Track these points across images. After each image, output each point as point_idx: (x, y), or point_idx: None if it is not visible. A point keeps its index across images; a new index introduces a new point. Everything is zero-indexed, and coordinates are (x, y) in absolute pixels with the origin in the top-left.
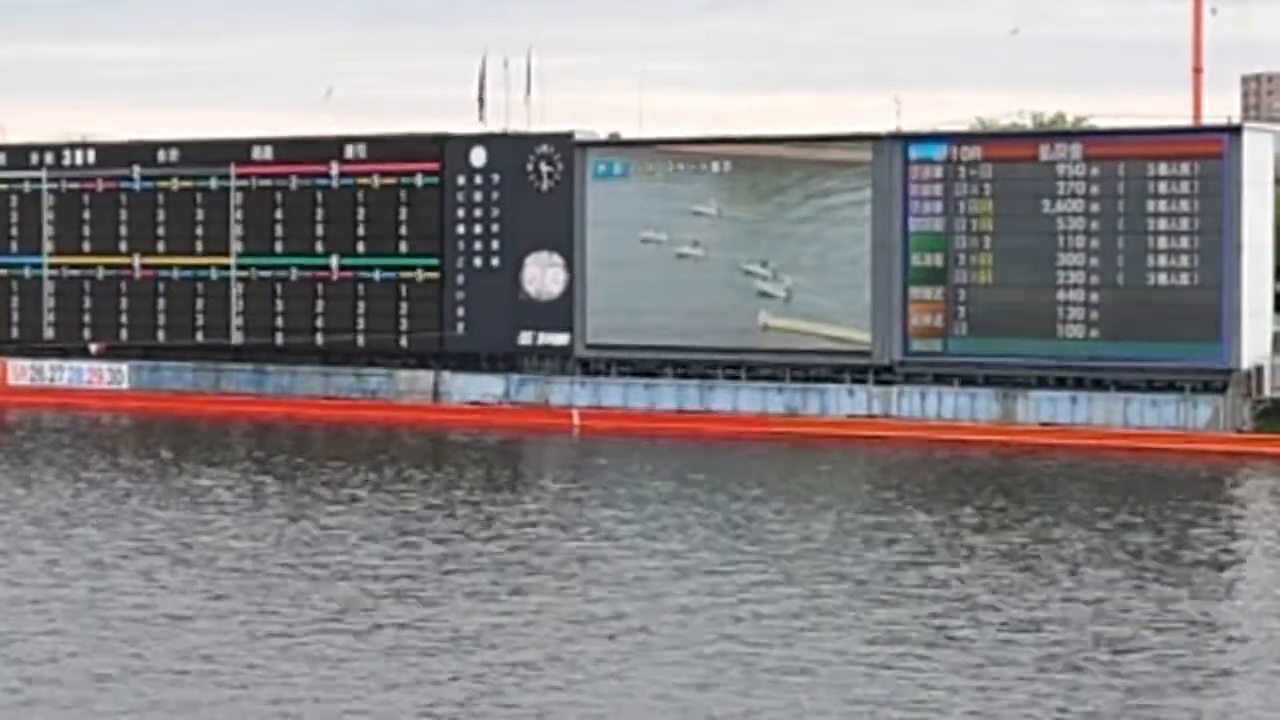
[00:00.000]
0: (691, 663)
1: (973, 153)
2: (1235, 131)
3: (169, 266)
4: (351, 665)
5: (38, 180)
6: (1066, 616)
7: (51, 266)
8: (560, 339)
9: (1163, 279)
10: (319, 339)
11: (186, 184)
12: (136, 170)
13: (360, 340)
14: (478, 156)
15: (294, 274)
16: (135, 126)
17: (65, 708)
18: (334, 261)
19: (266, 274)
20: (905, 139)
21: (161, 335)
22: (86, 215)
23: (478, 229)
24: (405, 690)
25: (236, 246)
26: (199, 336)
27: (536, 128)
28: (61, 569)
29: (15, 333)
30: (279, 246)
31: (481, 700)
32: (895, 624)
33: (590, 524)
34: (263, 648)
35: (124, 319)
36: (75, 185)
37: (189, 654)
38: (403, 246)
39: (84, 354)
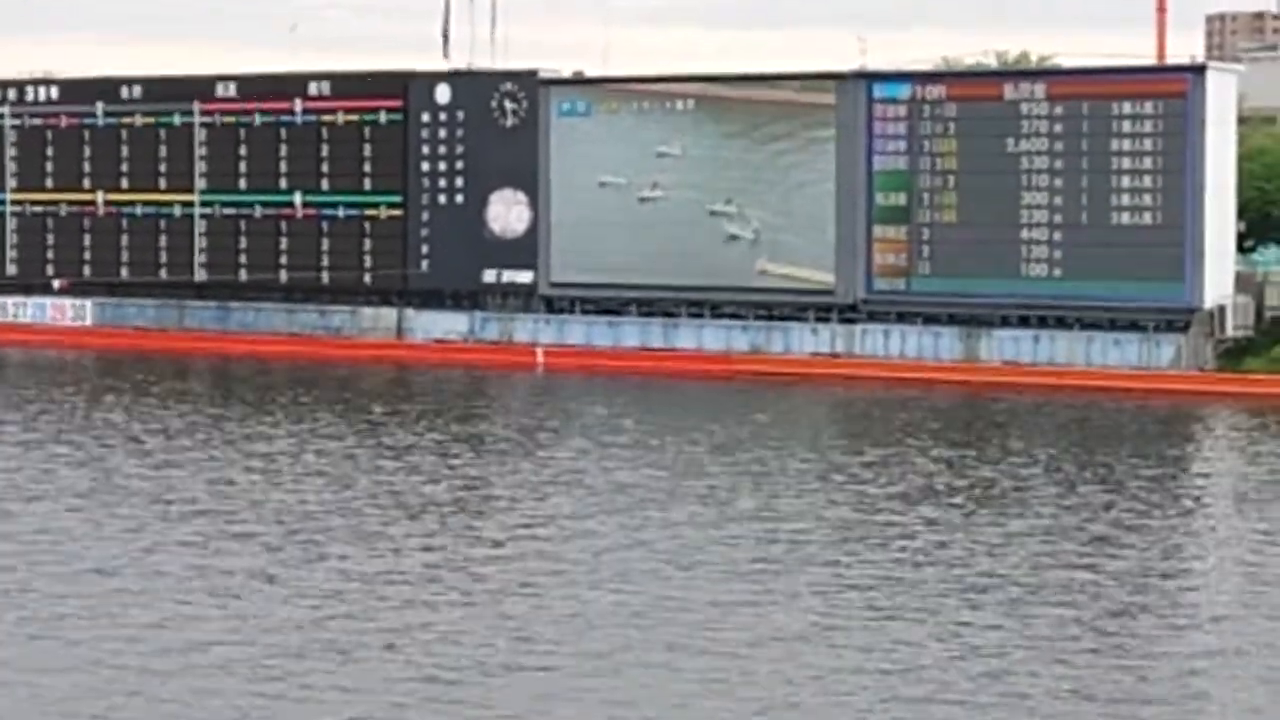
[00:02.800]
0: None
1: (937, 92)
2: (1199, 71)
3: (132, 203)
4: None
5: (0, 116)
6: (1024, 557)
7: (14, 203)
8: (524, 276)
9: (1126, 218)
10: (283, 276)
11: (150, 120)
12: (100, 106)
13: (324, 277)
14: (442, 94)
15: (258, 211)
16: (99, 63)
17: None
18: (298, 198)
19: (230, 211)
20: (870, 78)
21: (125, 272)
22: (49, 152)
23: (442, 166)
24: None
25: (200, 183)
26: (163, 273)
27: (501, 65)
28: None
29: None
30: (243, 183)
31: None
32: (840, 568)
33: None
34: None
35: (87, 255)
36: (38, 121)
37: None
38: (367, 184)
39: (47, 290)
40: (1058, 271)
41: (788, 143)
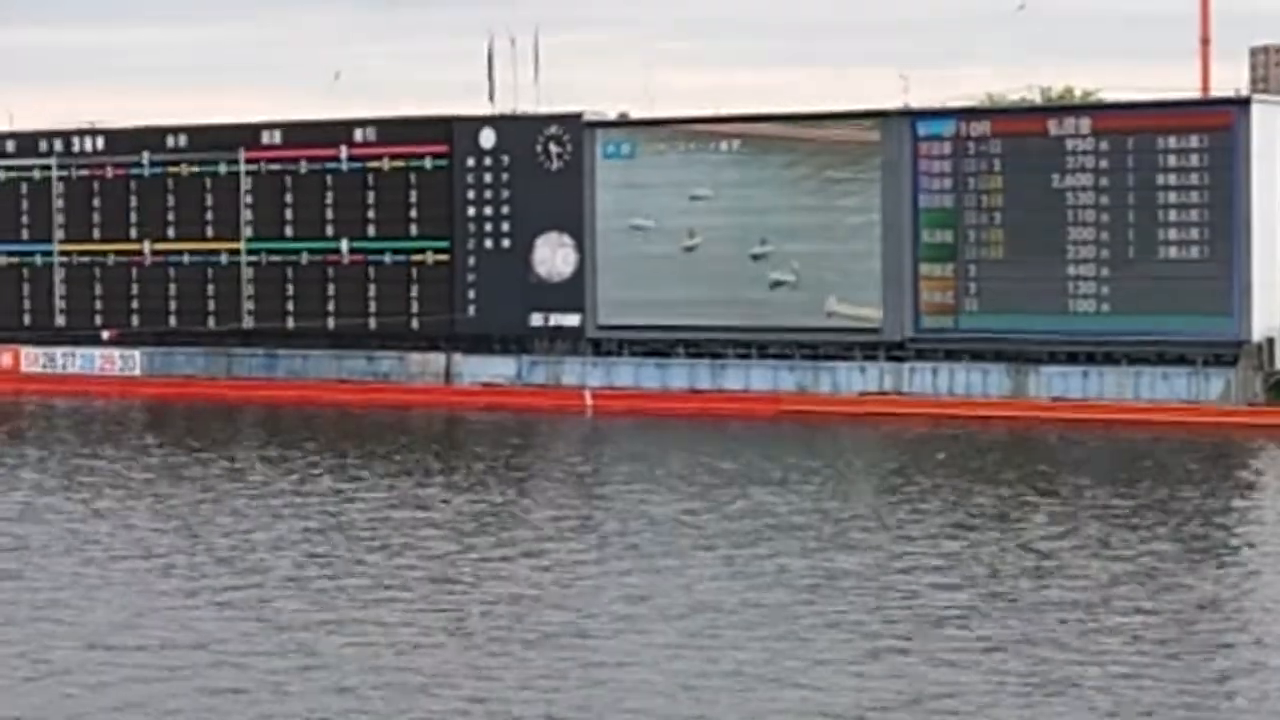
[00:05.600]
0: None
1: (981, 128)
2: (1244, 103)
3: (179, 252)
4: None
5: (47, 167)
6: (1076, 596)
7: (62, 254)
8: (571, 320)
9: (1173, 252)
10: (330, 323)
11: (196, 169)
12: (146, 156)
13: (371, 323)
14: (487, 138)
15: (304, 258)
16: (144, 112)
17: None
18: (344, 245)
19: (277, 258)
20: (914, 115)
21: (173, 321)
22: (96, 202)
23: (488, 210)
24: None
25: (246, 231)
26: (211, 322)
27: (545, 108)
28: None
29: (27, 320)
30: (289, 231)
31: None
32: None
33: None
34: None
35: (135, 305)
36: (85, 172)
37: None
38: (413, 229)
39: (96, 341)
40: (1105, 307)
41: (833, 181)
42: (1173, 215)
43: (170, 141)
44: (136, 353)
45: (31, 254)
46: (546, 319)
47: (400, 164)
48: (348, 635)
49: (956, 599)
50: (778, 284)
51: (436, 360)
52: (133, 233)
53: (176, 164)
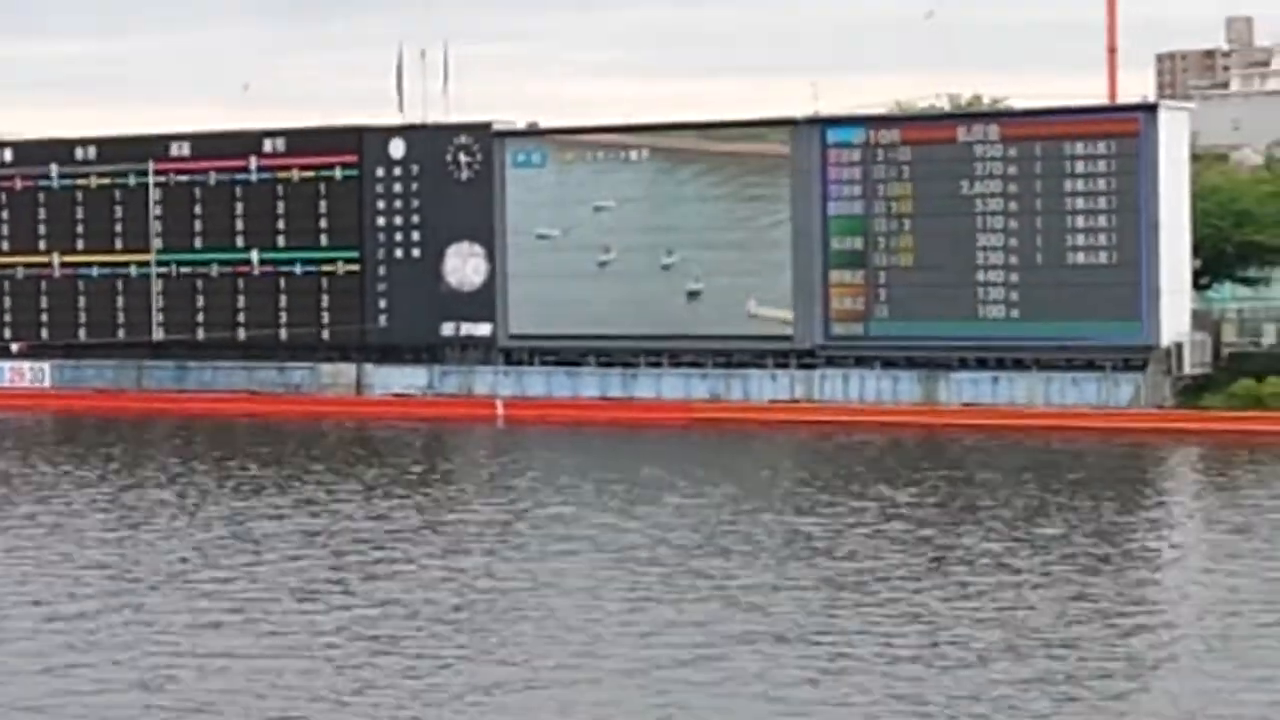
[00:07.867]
0: None
1: (891, 136)
2: (1151, 110)
3: (89, 264)
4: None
5: None
6: (989, 601)
7: None
8: (483, 329)
9: (1081, 258)
10: (241, 334)
11: (105, 181)
12: (54, 168)
13: (282, 334)
14: (396, 148)
15: (214, 269)
16: (52, 124)
17: None
18: (254, 256)
19: (187, 270)
20: (823, 123)
21: (83, 333)
22: (4, 214)
23: (398, 220)
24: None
25: (156, 243)
26: (120, 334)
27: (456, 118)
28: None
29: None
30: (199, 242)
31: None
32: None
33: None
34: None
35: (45, 318)
36: None
37: None
38: (323, 239)
39: (5, 353)
40: (1015, 313)
41: (743, 189)
42: (1081, 221)
43: (79, 153)
44: (46, 365)
45: None
46: (458, 329)
47: (310, 174)
48: None
49: (846, 601)
50: (694, 294)
51: (348, 371)
52: (41, 245)
53: (85, 176)
